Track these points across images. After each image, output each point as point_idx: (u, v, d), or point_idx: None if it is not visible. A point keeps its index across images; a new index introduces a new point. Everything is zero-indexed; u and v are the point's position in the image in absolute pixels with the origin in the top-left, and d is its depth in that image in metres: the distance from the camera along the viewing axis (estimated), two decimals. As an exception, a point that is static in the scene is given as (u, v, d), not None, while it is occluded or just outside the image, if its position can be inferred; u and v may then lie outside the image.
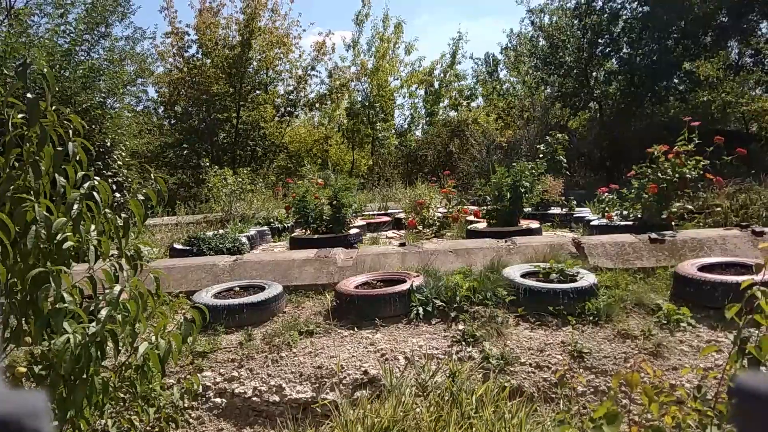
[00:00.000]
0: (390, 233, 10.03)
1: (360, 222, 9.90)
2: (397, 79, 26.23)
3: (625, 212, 7.82)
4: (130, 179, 9.84)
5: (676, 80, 19.02)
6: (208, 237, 7.74)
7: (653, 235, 6.27)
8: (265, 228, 9.84)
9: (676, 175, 7.02)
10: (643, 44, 18.72)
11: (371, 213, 11.65)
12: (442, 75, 27.75)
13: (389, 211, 11.84)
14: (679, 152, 7.07)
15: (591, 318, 4.77)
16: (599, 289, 5.04)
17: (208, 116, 21.23)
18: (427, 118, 27.78)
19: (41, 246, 2.47)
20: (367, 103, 24.79)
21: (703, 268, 5.12)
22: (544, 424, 3.30)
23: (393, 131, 26.59)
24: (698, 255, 5.82)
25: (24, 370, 2.97)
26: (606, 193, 8.85)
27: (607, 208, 8.45)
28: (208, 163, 13.79)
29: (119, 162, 9.89)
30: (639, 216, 7.52)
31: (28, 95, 2.47)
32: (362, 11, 24.89)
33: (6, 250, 2.25)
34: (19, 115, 2.54)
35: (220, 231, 8.44)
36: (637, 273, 5.68)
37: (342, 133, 25.78)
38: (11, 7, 15.16)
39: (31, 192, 2.53)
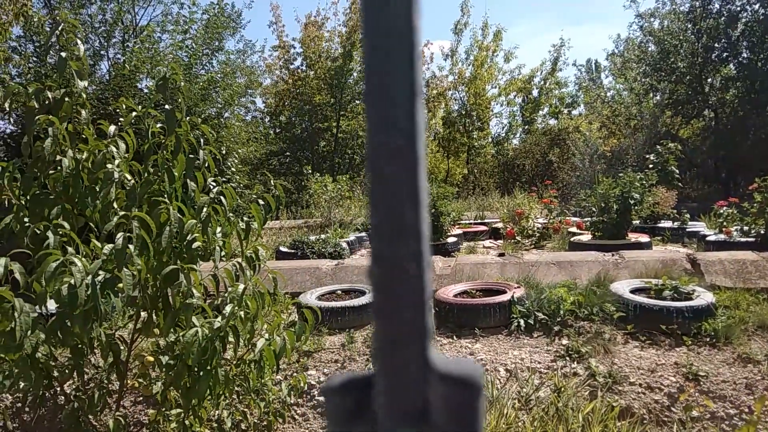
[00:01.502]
0: (487, 242, 9.91)
1: (457, 231, 9.86)
2: (495, 87, 25.93)
3: (746, 228, 7.26)
4: (242, 185, 10.44)
5: (802, 85, 17.38)
6: (311, 241, 8.04)
7: (780, 253, 5.76)
8: (364, 234, 10.06)
9: (808, 189, 6.42)
10: (765, 48, 17.27)
11: (468, 222, 11.57)
12: (541, 83, 27.07)
13: (486, 221, 11.70)
14: (812, 163, 6.47)
15: (708, 339, 4.46)
16: (717, 308, 4.71)
17: (310, 125, 22.07)
18: (525, 127, 27.17)
19: (173, 245, 2.68)
20: (463, 112, 24.70)
21: (841, 292, 4.64)
22: (657, 448, 3.14)
23: (489, 140, 26.27)
24: (835, 277, 5.29)
25: (152, 359, 3.24)
26: (724, 207, 8.25)
27: (725, 223, 7.87)
28: (309, 171, 14.32)
29: (233, 168, 10.54)
30: (762, 232, 6.94)
31: (167, 107, 2.71)
32: (461, 20, 24.89)
33: (146, 248, 2.47)
34: (157, 125, 2.80)
35: (322, 236, 8.73)
36: (760, 293, 5.24)
37: (438, 141, 25.83)
38: (136, 25, 16.63)
39: (165, 195, 2.77)
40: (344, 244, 8.38)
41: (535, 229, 9.46)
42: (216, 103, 12.63)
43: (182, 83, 2.90)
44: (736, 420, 3.75)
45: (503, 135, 27.23)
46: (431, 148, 25.58)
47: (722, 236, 7.46)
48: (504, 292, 5.17)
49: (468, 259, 6.90)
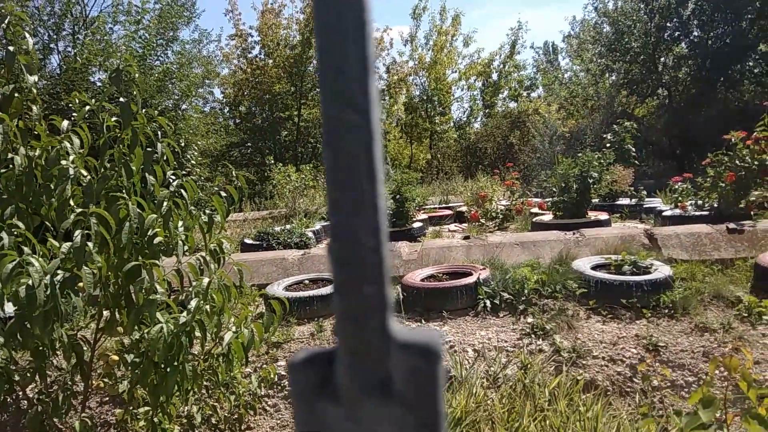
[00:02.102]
0: (452, 226, 10.01)
1: (422, 216, 9.93)
2: (455, 71, 26.08)
3: (699, 202, 7.51)
4: (203, 178, 10.27)
5: (750, 63, 17.98)
6: (276, 232, 7.98)
7: (731, 226, 5.99)
8: (329, 223, 10.02)
9: (756, 163, 6.68)
10: (715, 27, 17.80)
11: (432, 207, 11.65)
12: (501, 66, 27.34)
13: (450, 205, 11.81)
14: (758, 138, 6.72)
15: (666, 311, 4.63)
16: (674, 281, 4.88)
17: (270, 115, 21.80)
18: (486, 110, 27.44)
19: (134, 241, 2.63)
20: (425, 97, 24.76)
21: (788, 259, 4.86)
22: (620, 417, 3.25)
23: (451, 124, 26.44)
24: (782, 246, 5.53)
25: (117, 358, 3.19)
26: (679, 183, 8.51)
27: (680, 198, 8.13)
28: (272, 161, 14.17)
29: (193, 161, 10.34)
30: (715, 206, 7.20)
31: (121, 99, 2.64)
32: (419, 5, 24.89)
33: (106, 245, 2.41)
34: (112, 119, 2.73)
35: (287, 226, 8.67)
36: (714, 265, 5.45)
37: (400, 127, 25.86)
38: (87, 16, 16.05)
39: (123, 190, 2.71)
40: (310, 234, 8.34)
41: (499, 211, 9.59)
42: (173, 95, 12.34)
43: (136, 75, 2.83)
44: (694, 387, 3.90)
45: (465, 119, 27.45)
46: (394, 135, 25.60)
47: (678, 211, 7.71)
48: (470, 274, 5.24)
49: (434, 243, 6.96)
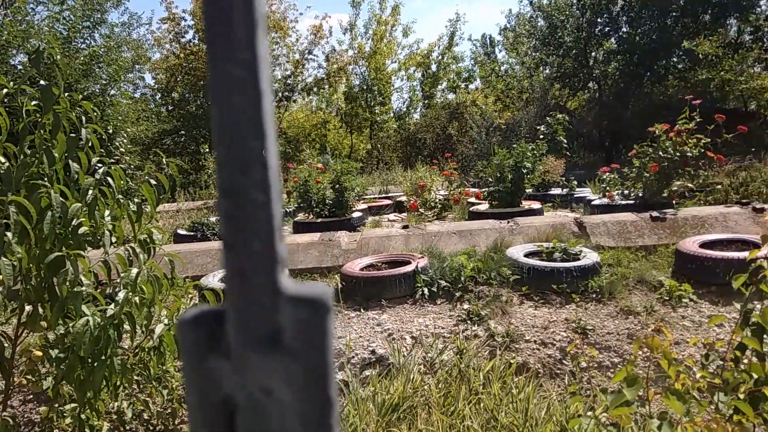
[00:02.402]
0: (392, 216, 10.08)
1: (362, 206, 9.94)
2: (395, 62, 26.14)
3: (626, 191, 7.87)
4: (133, 166, 9.87)
5: (675, 59, 18.95)
6: (211, 223, 7.79)
7: (655, 214, 6.32)
8: (268, 213, 9.87)
9: (677, 154, 7.06)
10: (642, 23, 18.62)
11: (372, 197, 11.68)
12: (439, 57, 27.61)
13: (390, 195, 11.88)
14: (680, 131, 7.10)
15: (594, 296, 4.84)
16: (602, 267, 5.11)
17: (205, 102, 21.18)
18: (426, 101, 27.70)
19: (57, 231, 2.51)
20: (365, 87, 24.72)
21: (704, 245, 5.18)
22: (550, 398, 3.38)
23: (391, 115, 26.54)
24: (699, 232, 5.88)
25: (40, 354, 3.03)
26: (607, 173, 8.89)
27: (608, 188, 8.49)
28: (207, 150, 13.80)
29: (121, 149, 9.91)
30: (640, 195, 7.57)
31: (42, 82, 2.50)
32: (359, -7, 24.71)
33: (27, 235, 2.28)
34: (33, 103, 2.57)
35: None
36: (639, 251, 5.74)
37: (340, 117, 25.73)
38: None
39: (45, 178, 2.57)
40: (247, 224, 8.19)
41: (437, 200, 9.73)
42: (100, 79, 11.76)
43: (59, 56, 2.68)
44: (620, 367, 4.11)
45: (404, 110, 27.60)
46: (334, 124, 25.45)
47: (606, 200, 8.05)
48: (408, 263, 5.30)
49: (373, 233, 6.99)
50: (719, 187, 7.97)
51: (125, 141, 10.33)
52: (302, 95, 25.07)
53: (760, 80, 16.66)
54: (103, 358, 2.54)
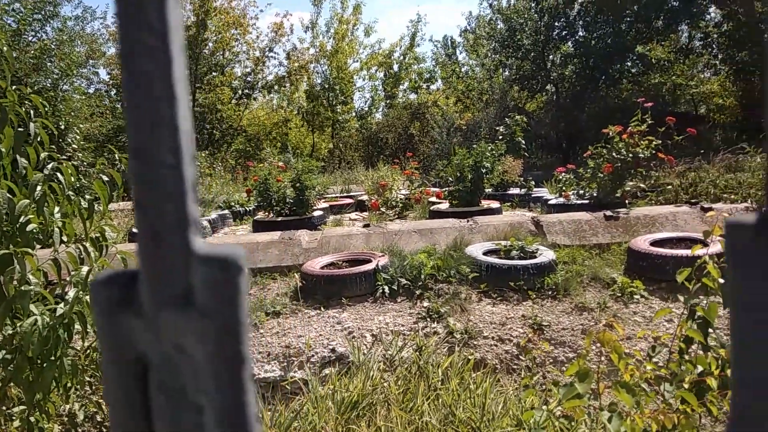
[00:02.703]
0: (353, 215, 10.07)
1: (323, 204, 9.91)
2: (357, 61, 26.14)
3: (581, 191, 8.07)
4: (86, 163, 9.57)
5: (629, 63, 19.55)
6: (168, 221, 7.63)
7: (608, 213, 6.50)
8: (226, 212, 9.75)
9: (630, 155, 7.28)
10: (597, 27, 19.14)
11: (334, 195, 11.66)
12: (401, 57, 27.74)
13: (352, 194, 11.88)
14: (632, 132, 7.33)
15: (550, 292, 4.95)
16: (557, 264, 5.23)
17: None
18: (388, 101, 27.78)
19: (4, 229, 2.42)
20: (326, 86, 24.62)
21: (655, 243, 5.35)
22: (507, 393, 3.44)
23: (353, 114, 26.52)
24: (651, 231, 6.07)
25: (-15, 356, 2.91)
26: (563, 173, 9.10)
27: (564, 188, 8.69)
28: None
29: (74, 145, 9.60)
30: (595, 195, 7.77)
31: (-14, 74, 2.41)
32: (320, -9, 24.60)
33: (-31, 232, 2.20)
34: (-24, 95, 2.48)
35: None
36: (593, 249, 5.89)
37: (302, 116, 25.57)
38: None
39: (-9, 174, 2.48)
40: (205, 223, 8.07)
41: (399, 200, 9.78)
42: (51, 74, 11.37)
43: (5, 48, 2.58)
44: (574, 362, 4.22)
45: (366, 109, 27.62)
46: (295, 123, 25.27)
47: (562, 200, 8.24)
48: (369, 261, 5.31)
49: (334, 231, 6.98)
50: (670, 187, 8.25)
51: (78, 137, 10.01)
52: (263, 93, 24.81)
53: (709, 85, 17.34)
54: (53, 358, 2.46)
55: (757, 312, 0.19)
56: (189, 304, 0.22)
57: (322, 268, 5.33)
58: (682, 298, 1.98)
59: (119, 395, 0.23)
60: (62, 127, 9.82)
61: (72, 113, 10.69)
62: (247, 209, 10.31)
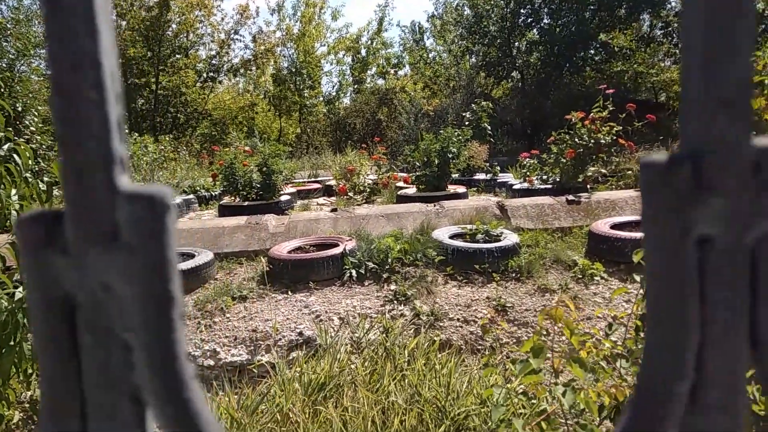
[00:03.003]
0: (321, 200, 10.03)
1: (290, 189, 9.83)
2: (324, 45, 25.86)
3: (544, 176, 8.20)
4: (45, 146, 9.25)
5: (592, 51, 19.83)
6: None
7: (570, 197, 6.63)
8: (191, 196, 9.59)
9: (592, 141, 7.42)
10: (562, 15, 19.33)
11: (301, 180, 11.58)
12: (369, 42, 27.57)
13: (319, 179, 11.81)
14: (594, 119, 7.46)
15: (514, 275, 5.04)
16: (521, 247, 5.31)
17: (124, 81, 20.14)
18: (356, 86, 27.61)
19: (-45, 211, 2.34)
20: (293, 69, 24.32)
21: (615, 227, 5.49)
22: (471, 372, 3.50)
23: (321, 99, 26.29)
24: (611, 215, 6.22)
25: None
26: (527, 159, 9.22)
27: (528, 173, 8.81)
28: (127, 131, 13.14)
29: (32, 128, 9.26)
30: (558, 180, 7.91)
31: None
32: (287, -27, 24.17)
33: None
34: None
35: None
36: (555, 232, 6.01)
37: (268, 100, 25.22)
38: None
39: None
40: (170, 207, 7.92)
41: (366, 184, 9.77)
42: (7, 54, 10.93)
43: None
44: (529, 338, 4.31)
45: (334, 94, 27.42)
46: (262, 107, 24.91)
47: (526, 184, 8.36)
48: (337, 245, 5.31)
49: (302, 216, 6.94)
50: (630, 172, 8.45)
51: (36, 120, 9.66)
52: (228, 76, 24.36)
53: (670, 73, 17.72)
54: (12, 344, 2.40)
55: (665, 247, 0.19)
56: (114, 241, 0.22)
57: (289, 252, 5.31)
58: (638, 278, 2.04)
59: (46, 335, 0.23)
60: (19, 108, 9.45)
61: (30, 95, 10.30)
62: (213, 194, 10.16)
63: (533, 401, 2.49)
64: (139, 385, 0.22)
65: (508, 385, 2.59)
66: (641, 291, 2.43)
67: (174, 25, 20.76)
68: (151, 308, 0.21)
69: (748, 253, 0.20)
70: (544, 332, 3.96)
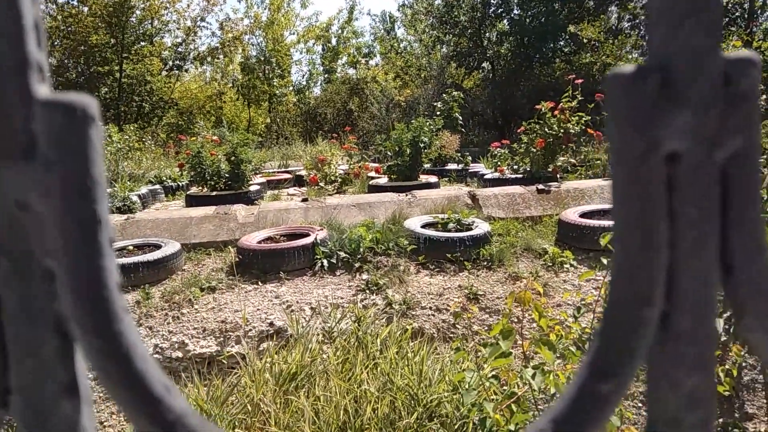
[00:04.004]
0: (291, 190, 9.94)
1: (260, 179, 9.73)
2: (294, 33, 25.59)
3: (515, 166, 8.28)
4: None
5: (561, 42, 20.05)
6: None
7: (540, 187, 6.71)
8: (158, 187, 9.41)
9: (561, 131, 7.51)
10: (532, 6, 19.48)
11: (271, 171, 11.46)
12: (339, 31, 27.37)
13: (290, 169, 11.71)
14: (563, 108, 7.55)
15: (485, 263, 5.08)
16: (492, 236, 5.36)
17: (87, 69, 19.62)
18: (326, 76, 27.41)
19: None
20: (262, 58, 24.00)
21: (584, 215, 5.57)
22: (443, 359, 3.52)
23: (291, 88, 26.03)
24: (580, 203, 6.31)
25: None
26: (498, 149, 9.29)
27: (499, 163, 8.89)
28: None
29: None
30: (528, 169, 7.99)
31: None
32: (255, -40, 23.82)
33: None
34: None
35: (107, 190, 7.95)
36: (526, 221, 6.08)
37: (237, 89, 24.85)
38: None
39: None
40: (135, 198, 7.77)
41: (338, 174, 9.73)
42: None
43: None
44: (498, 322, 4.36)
45: (304, 83, 27.18)
46: (230, 96, 24.54)
47: (497, 174, 8.43)
48: (308, 235, 5.27)
49: (272, 206, 6.87)
50: (598, 162, 8.58)
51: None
52: (195, 65, 23.91)
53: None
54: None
55: (632, 163, 0.19)
56: (30, 155, 0.20)
57: (259, 242, 5.25)
58: (605, 261, 2.07)
59: None
60: None
61: None
62: (180, 184, 9.99)
63: (504, 387, 2.52)
64: (64, 317, 0.20)
65: (480, 372, 2.61)
66: (608, 276, 2.47)
67: (138, 12, 20.26)
68: (75, 230, 0.20)
69: (717, 171, 0.19)
70: (515, 319, 4.01)
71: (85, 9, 19.76)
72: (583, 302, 2.30)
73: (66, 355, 0.21)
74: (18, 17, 0.19)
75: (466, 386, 2.21)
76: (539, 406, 2.30)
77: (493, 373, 2.46)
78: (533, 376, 1.75)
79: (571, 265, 5.03)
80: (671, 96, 0.18)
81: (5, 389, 0.21)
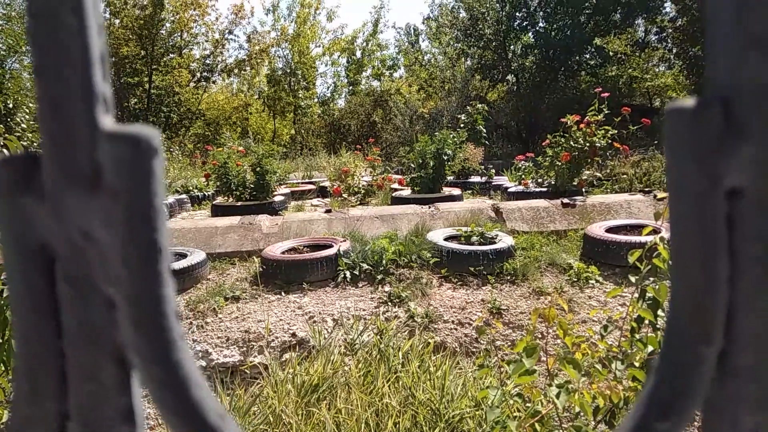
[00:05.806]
0: (315, 201, 10.00)
1: (284, 190, 9.81)
2: (319, 46, 25.86)
3: (540, 179, 8.21)
4: (36, 144, 9.19)
5: (587, 55, 19.91)
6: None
7: (565, 200, 6.64)
8: (184, 196, 9.54)
9: (587, 144, 7.43)
10: (557, 19, 19.41)
11: (295, 182, 11.55)
12: (364, 44, 27.60)
13: (314, 180, 11.79)
14: (589, 122, 7.48)
15: (509, 277, 5.03)
16: (516, 250, 5.31)
17: (117, 80, 20.08)
18: (350, 87, 27.61)
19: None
20: (288, 70, 24.29)
21: (610, 230, 5.49)
22: (465, 374, 3.49)
23: (316, 100, 26.26)
24: (606, 218, 6.23)
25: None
26: (522, 162, 9.23)
27: (523, 176, 8.82)
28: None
29: (23, 125, 9.18)
30: (553, 183, 7.92)
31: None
32: (282, -25, 24.19)
33: None
34: None
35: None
36: (550, 235, 6.01)
37: (263, 100, 25.17)
38: None
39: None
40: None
41: (361, 186, 9.75)
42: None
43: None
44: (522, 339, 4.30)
45: (329, 95, 27.41)
46: (256, 108, 24.86)
47: (521, 187, 8.36)
48: (331, 246, 5.28)
49: (295, 216, 6.91)
50: (624, 176, 8.47)
51: (28, 117, 9.58)
52: (222, 76, 24.29)
53: (664, 78, 17.82)
54: (1, 341, 2.37)
55: (692, 199, 0.18)
56: (95, 185, 0.20)
57: (282, 253, 5.28)
58: (633, 279, 2.03)
59: (22, 288, 0.21)
60: (10, 105, 9.37)
61: (21, 92, 10.23)
62: (206, 194, 10.12)
63: (528, 404, 2.48)
64: (123, 344, 0.20)
65: (503, 388, 2.57)
66: (636, 293, 2.43)
67: (168, 24, 20.71)
68: (135, 258, 0.20)
69: (781, 207, 0.18)
70: (539, 335, 3.95)
71: (117, 21, 20.27)
72: (610, 320, 2.26)
73: (124, 381, 0.21)
74: (86, 46, 0.20)
75: (490, 403, 2.18)
76: (563, 426, 2.26)
77: (517, 390, 2.43)
78: (558, 395, 1.73)
79: (597, 281, 4.96)
80: (733, 130, 0.18)
81: (64, 415, 0.21)
